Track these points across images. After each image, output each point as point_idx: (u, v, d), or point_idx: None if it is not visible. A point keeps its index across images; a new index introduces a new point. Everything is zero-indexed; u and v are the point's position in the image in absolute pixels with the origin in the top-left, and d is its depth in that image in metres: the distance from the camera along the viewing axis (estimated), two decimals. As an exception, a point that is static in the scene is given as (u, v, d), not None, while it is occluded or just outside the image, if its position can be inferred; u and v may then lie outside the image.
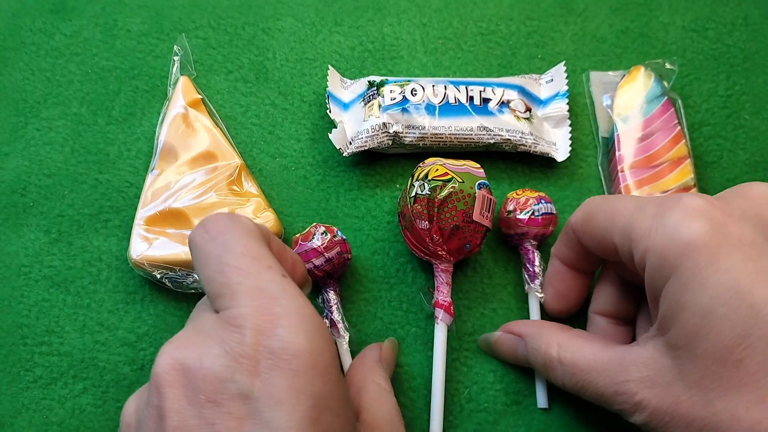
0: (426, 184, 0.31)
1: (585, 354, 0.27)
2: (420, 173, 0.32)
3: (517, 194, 0.34)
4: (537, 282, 0.33)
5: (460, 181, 0.31)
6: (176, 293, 0.35)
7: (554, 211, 0.34)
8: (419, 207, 0.31)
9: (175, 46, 0.41)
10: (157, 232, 0.35)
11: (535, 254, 0.34)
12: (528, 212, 0.33)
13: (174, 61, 0.40)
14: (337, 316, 0.32)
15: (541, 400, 0.32)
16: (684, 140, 0.37)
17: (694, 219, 0.22)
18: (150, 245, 0.34)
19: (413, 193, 0.31)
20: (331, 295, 0.33)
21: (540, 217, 0.33)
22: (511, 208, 0.34)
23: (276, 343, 0.20)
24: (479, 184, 0.32)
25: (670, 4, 0.43)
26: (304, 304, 0.22)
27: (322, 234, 0.32)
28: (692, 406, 0.22)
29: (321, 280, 0.33)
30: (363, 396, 0.28)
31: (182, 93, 0.39)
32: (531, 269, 0.34)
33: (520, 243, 0.34)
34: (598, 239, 0.27)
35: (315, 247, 0.32)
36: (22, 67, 0.41)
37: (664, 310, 0.23)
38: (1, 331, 0.35)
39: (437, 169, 0.32)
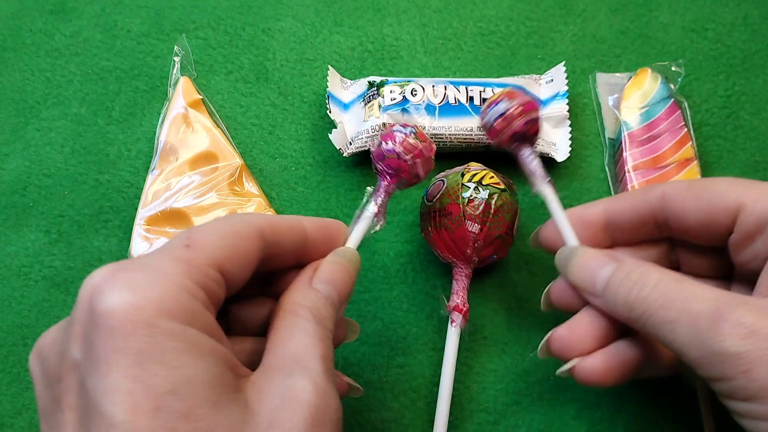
0: (482, 189, 0.31)
1: (691, 281, 0.23)
2: (472, 176, 0.32)
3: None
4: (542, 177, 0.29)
5: (510, 192, 0.32)
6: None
7: (509, 107, 0.29)
8: (473, 210, 0.31)
9: (175, 47, 0.41)
10: (157, 232, 0.35)
11: (524, 153, 0.30)
12: (485, 130, 0.30)
13: (174, 61, 0.40)
14: (382, 202, 0.29)
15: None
16: (690, 142, 0.37)
17: None
18: (151, 245, 0.34)
19: (467, 194, 0.31)
20: (384, 185, 0.29)
21: (492, 127, 0.29)
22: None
23: (100, 304, 0.18)
24: (517, 199, 0.33)
25: (670, 4, 0.43)
26: (159, 266, 0.19)
27: (410, 134, 0.29)
28: None
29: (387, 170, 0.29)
30: (270, 335, 0.23)
31: (183, 93, 0.39)
32: (529, 169, 0.29)
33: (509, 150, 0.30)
34: (711, 201, 0.25)
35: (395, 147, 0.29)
36: (22, 68, 0.41)
37: None
38: (1, 332, 0.35)
39: (491, 176, 0.32)
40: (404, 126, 0.29)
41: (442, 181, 0.33)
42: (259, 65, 0.41)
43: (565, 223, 0.28)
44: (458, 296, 0.32)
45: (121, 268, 0.19)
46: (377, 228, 0.28)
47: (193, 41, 0.42)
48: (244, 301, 0.26)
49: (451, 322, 0.32)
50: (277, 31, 0.42)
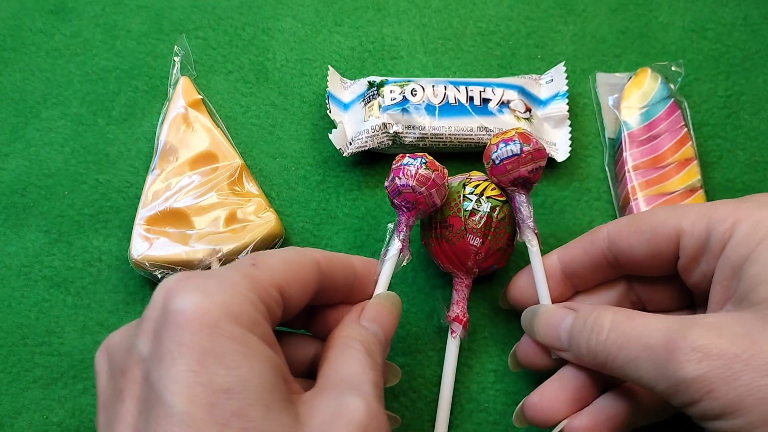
0: (484, 201, 0.31)
1: (643, 315, 0.24)
2: (474, 187, 0.31)
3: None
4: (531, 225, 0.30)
5: (510, 205, 0.31)
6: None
7: (522, 151, 0.29)
8: (475, 223, 0.30)
9: (175, 47, 0.41)
10: (157, 232, 0.35)
11: (520, 197, 0.30)
12: (488, 163, 0.30)
13: (174, 61, 0.40)
14: (405, 237, 0.30)
15: None
16: (690, 142, 0.37)
17: None
18: (151, 245, 0.34)
19: (469, 207, 0.30)
20: (404, 219, 0.30)
21: (501, 164, 0.29)
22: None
23: (172, 303, 0.20)
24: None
25: (670, 4, 0.43)
26: (228, 277, 0.21)
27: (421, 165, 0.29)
28: None
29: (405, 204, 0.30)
30: (321, 364, 0.24)
31: (183, 93, 0.39)
32: (520, 215, 0.30)
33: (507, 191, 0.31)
34: (652, 233, 0.26)
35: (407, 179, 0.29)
36: (22, 68, 0.41)
37: (752, 275, 0.22)
38: (2, 332, 0.35)
39: (493, 188, 0.31)
40: (413, 157, 0.29)
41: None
42: (259, 65, 0.41)
43: (541, 279, 0.29)
44: (458, 306, 0.32)
45: (193, 275, 0.21)
46: (404, 263, 0.30)
47: (193, 41, 0.42)
48: (291, 339, 0.27)
49: (451, 333, 0.32)
50: (277, 31, 0.42)
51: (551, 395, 0.27)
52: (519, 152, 0.29)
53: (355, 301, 0.28)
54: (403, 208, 0.30)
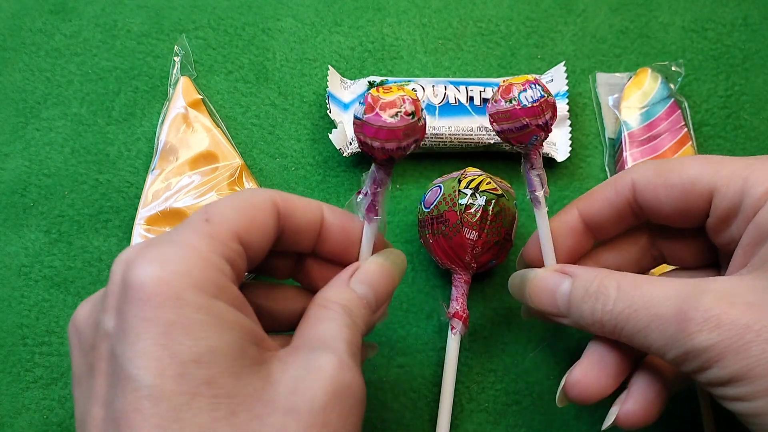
0: (479, 195, 0.31)
1: (651, 280, 0.23)
2: (469, 182, 0.31)
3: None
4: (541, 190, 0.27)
5: (507, 198, 0.32)
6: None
7: (549, 97, 0.25)
8: (470, 217, 0.30)
9: (175, 47, 0.41)
10: (157, 232, 0.35)
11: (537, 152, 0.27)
12: (510, 101, 0.25)
13: (174, 61, 0.40)
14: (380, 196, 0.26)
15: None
16: (690, 142, 0.37)
17: None
18: (150, 245, 0.34)
19: (464, 201, 0.31)
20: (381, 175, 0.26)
21: (534, 103, 0.25)
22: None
23: (132, 276, 0.19)
24: (515, 204, 0.33)
25: (670, 4, 0.43)
26: (184, 241, 0.20)
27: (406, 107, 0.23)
28: None
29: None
30: (305, 314, 0.23)
31: (183, 93, 0.39)
32: (534, 174, 0.27)
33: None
34: (683, 189, 0.25)
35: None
36: (22, 68, 0.41)
37: None
38: (2, 332, 0.35)
39: (488, 182, 0.31)
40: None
41: (439, 187, 0.33)
42: (259, 65, 0.41)
43: (548, 241, 0.27)
44: (458, 303, 0.32)
45: (150, 244, 0.20)
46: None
47: (193, 41, 0.42)
48: (278, 292, 0.26)
49: (451, 329, 0.32)
50: (277, 31, 0.42)
51: (592, 373, 0.26)
52: (544, 96, 0.25)
53: (333, 255, 0.26)
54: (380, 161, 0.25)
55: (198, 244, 0.20)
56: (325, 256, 0.26)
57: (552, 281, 0.26)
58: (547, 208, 0.27)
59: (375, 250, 0.26)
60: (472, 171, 0.33)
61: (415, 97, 0.23)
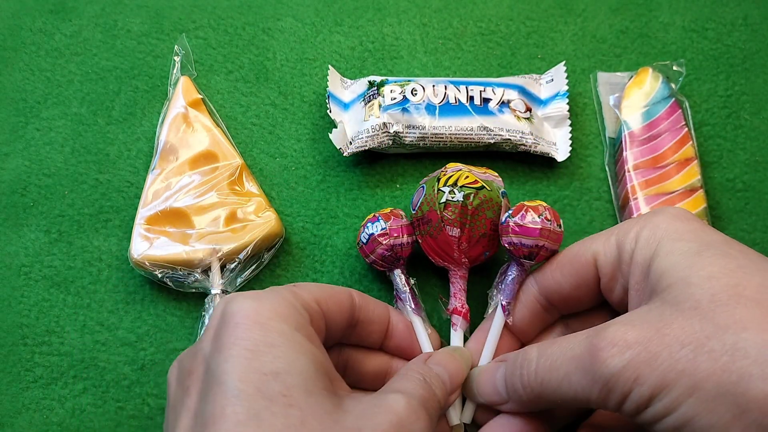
0: (457, 191, 0.31)
1: (564, 337, 0.26)
2: (447, 179, 0.31)
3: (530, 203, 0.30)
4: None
5: (489, 189, 0.31)
6: (176, 293, 0.35)
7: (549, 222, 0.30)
8: (450, 214, 0.30)
9: (175, 46, 0.41)
10: (158, 232, 0.35)
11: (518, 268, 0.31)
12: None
13: (174, 61, 0.40)
14: (408, 294, 0.32)
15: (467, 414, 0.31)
16: (691, 142, 0.37)
17: (667, 210, 0.27)
18: (151, 245, 0.34)
19: (443, 200, 0.31)
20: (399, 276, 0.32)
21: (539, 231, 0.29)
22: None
23: (230, 307, 0.23)
24: (502, 192, 0.32)
25: (670, 4, 0.43)
26: (275, 292, 0.25)
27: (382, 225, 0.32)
28: (690, 330, 0.21)
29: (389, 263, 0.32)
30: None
31: (183, 93, 0.39)
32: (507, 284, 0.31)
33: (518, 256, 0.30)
34: (573, 264, 0.28)
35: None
36: (23, 67, 0.41)
37: (654, 273, 0.24)
38: (2, 331, 0.35)
39: (466, 176, 0.31)
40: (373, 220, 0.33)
41: (422, 188, 0.32)
42: (260, 65, 0.41)
43: (493, 343, 0.30)
44: (456, 299, 0.32)
45: (250, 294, 0.24)
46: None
47: (193, 41, 0.42)
48: (364, 354, 0.31)
49: (453, 326, 0.32)
50: (278, 31, 0.42)
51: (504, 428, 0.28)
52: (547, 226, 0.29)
53: (399, 351, 0.31)
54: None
55: (286, 293, 0.25)
56: (392, 351, 0.31)
57: (491, 370, 0.29)
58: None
59: (433, 345, 0.31)
60: (452, 167, 0.32)
61: None
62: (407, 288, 0.32)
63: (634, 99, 0.38)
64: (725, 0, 0.43)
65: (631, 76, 0.39)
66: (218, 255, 0.34)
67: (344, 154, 0.37)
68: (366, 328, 0.29)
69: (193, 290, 0.34)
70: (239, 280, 0.35)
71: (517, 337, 0.31)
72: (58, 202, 0.38)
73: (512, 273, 0.31)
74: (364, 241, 0.32)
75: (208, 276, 0.34)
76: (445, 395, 0.26)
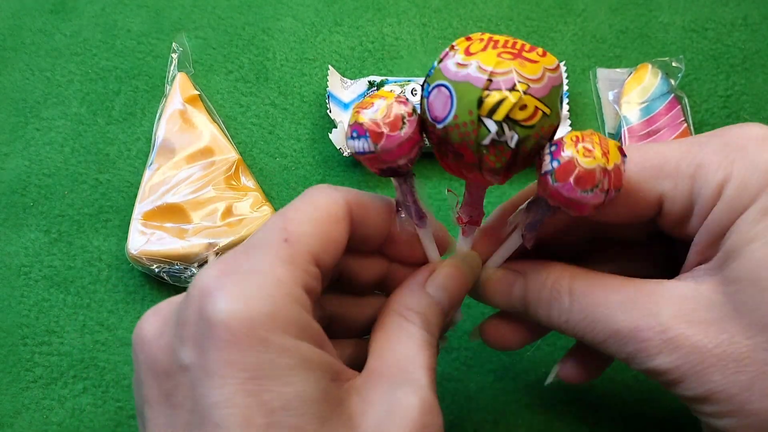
0: (508, 129, 0.20)
1: (604, 283, 0.22)
2: (496, 105, 0.20)
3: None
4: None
5: (551, 114, 0.20)
6: (175, 292, 0.35)
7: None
8: (493, 160, 0.21)
9: (173, 43, 0.41)
10: (155, 227, 0.35)
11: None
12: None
13: (172, 58, 0.40)
14: (417, 202, 0.24)
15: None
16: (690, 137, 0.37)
17: None
18: (148, 240, 0.34)
19: (486, 140, 0.20)
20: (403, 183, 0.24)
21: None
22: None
23: (213, 311, 0.18)
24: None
25: (670, 4, 0.43)
26: (268, 271, 0.19)
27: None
28: (753, 348, 0.19)
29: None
30: (376, 335, 0.23)
31: (179, 89, 0.39)
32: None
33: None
34: (629, 194, 0.22)
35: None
36: (22, 67, 0.41)
37: (731, 244, 0.20)
38: (1, 331, 0.35)
39: (524, 105, 0.20)
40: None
41: (450, 95, 0.21)
42: (259, 65, 0.41)
43: (506, 251, 0.26)
44: (473, 207, 0.25)
45: (229, 271, 0.19)
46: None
47: (192, 41, 0.42)
48: (349, 301, 0.25)
49: (463, 233, 0.25)
50: (277, 31, 0.42)
51: (510, 325, 0.26)
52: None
53: (402, 257, 0.25)
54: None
55: (281, 274, 0.19)
56: (392, 257, 0.25)
57: (506, 281, 0.25)
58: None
59: (440, 249, 0.25)
60: (500, 78, 0.20)
61: (610, 165, 0.20)
62: (410, 200, 0.24)
63: (634, 95, 0.38)
64: (725, 0, 0.43)
65: (631, 72, 0.39)
66: (215, 249, 0.34)
67: (344, 155, 0.37)
68: (362, 237, 0.23)
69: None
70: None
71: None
72: (58, 202, 0.38)
73: (543, 211, 0.23)
74: (350, 151, 0.23)
75: (206, 272, 0.34)
76: (441, 329, 0.24)
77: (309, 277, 0.20)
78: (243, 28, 0.42)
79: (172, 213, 0.35)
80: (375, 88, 0.38)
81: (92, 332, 0.35)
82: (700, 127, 0.39)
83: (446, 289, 0.24)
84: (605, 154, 0.20)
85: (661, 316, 0.20)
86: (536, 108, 0.20)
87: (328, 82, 0.39)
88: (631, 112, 0.38)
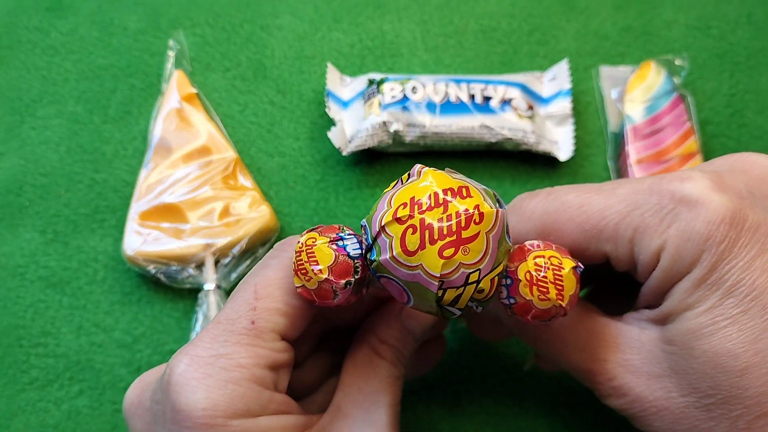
0: (473, 303, 0.20)
1: (562, 322, 0.23)
2: (450, 297, 0.19)
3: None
4: None
5: (500, 269, 0.20)
6: (172, 293, 0.35)
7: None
8: (463, 320, 0.24)
9: (170, 41, 0.40)
10: (151, 227, 0.34)
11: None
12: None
13: (169, 56, 0.40)
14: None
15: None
16: (694, 136, 0.37)
17: (709, 209, 0.20)
18: (144, 240, 0.34)
19: (454, 316, 0.20)
20: None
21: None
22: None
23: (179, 400, 0.20)
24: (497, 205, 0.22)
25: (673, 1, 0.42)
26: (230, 357, 0.21)
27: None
28: (686, 405, 0.20)
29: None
30: (346, 365, 0.24)
31: (177, 87, 0.38)
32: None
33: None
34: (575, 251, 0.22)
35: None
36: (18, 66, 0.41)
37: (667, 306, 0.21)
38: (-4, 333, 0.34)
39: (480, 288, 0.19)
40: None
41: (403, 289, 0.20)
42: (257, 62, 0.41)
43: None
44: None
45: (197, 362, 0.21)
46: None
47: (190, 38, 0.41)
48: (303, 364, 0.27)
49: None
50: (276, 28, 0.42)
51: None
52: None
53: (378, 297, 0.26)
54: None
55: (242, 360, 0.21)
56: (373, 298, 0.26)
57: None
58: None
59: None
60: (448, 266, 0.19)
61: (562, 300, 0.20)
62: (382, 286, 0.22)
63: (637, 93, 0.38)
64: (729, -3, 0.42)
65: (634, 70, 0.39)
66: (212, 250, 0.34)
67: (343, 153, 0.36)
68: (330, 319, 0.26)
69: (188, 285, 0.34)
70: (233, 275, 0.34)
71: None
72: (54, 201, 0.37)
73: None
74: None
75: (202, 271, 0.34)
76: (411, 356, 0.25)
77: (275, 354, 0.22)
78: (241, 25, 0.42)
79: (168, 213, 0.35)
80: (375, 85, 0.37)
81: (88, 334, 0.34)
82: (703, 126, 0.39)
83: (418, 318, 0.25)
84: (560, 292, 0.20)
85: (608, 364, 0.22)
86: (491, 280, 0.20)
87: (327, 80, 0.38)
88: (635, 110, 0.38)
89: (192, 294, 0.35)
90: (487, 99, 0.37)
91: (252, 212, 0.35)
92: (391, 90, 0.37)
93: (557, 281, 0.20)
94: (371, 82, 0.38)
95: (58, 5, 0.42)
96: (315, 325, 0.25)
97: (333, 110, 0.38)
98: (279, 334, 0.22)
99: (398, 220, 0.19)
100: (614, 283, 0.26)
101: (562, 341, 0.23)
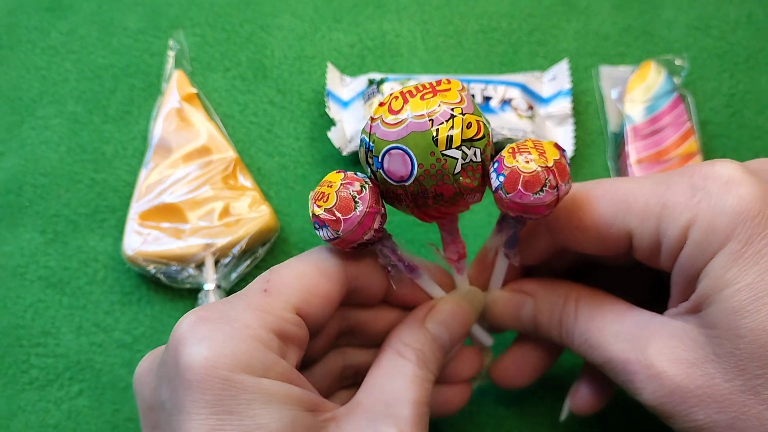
0: (468, 150, 0.21)
1: (604, 311, 0.23)
2: (448, 138, 0.21)
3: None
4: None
5: (484, 120, 0.22)
6: (172, 293, 0.35)
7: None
8: (470, 180, 0.22)
9: (170, 41, 0.40)
10: (151, 227, 0.34)
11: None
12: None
13: (169, 56, 0.40)
14: (401, 258, 0.25)
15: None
16: (694, 136, 0.37)
17: (741, 186, 0.20)
18: (144, 240, 0.34)
19: (457, 168, 0.21)
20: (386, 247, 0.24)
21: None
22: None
23: (182, 355, 0.20)
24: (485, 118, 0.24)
25: (674, 1, 0.42)
26: (237, 317, 0.21)
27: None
28: (731, 390, 0.20)
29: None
30: (370, 370, 0.23)
31: (177, 87, 0.38)
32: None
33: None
34: (600, 229, 0.23)
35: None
36: (18, 65, 0.41)
37: (704, 288, 0.20)
38: (-4, 333, 0.34)
39: (468, 124, 0.21)
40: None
41: (404, 151, 0.22)
42: (257, 62, 0.41)
43: (501, 273, 0.27)
44: (455, 244, 0.26)
45: (204, 319, 0.21)
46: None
47: (190, 38, 0.41)
48: (365, 310, 0.26)
49: (457, 270, 0.26)
50: (276, 28, 0.42)
51: (519, 362, 0.28)
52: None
53: (402, 304, 0.26)
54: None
55: (249, 320, 0.21)
56: (396, 304, 0.26)
57: (513, 304, 0.27)
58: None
59: (445, 287, 0.26)
60: (435, 110, 0.21)
61: (550, 164, 0.21)
62: (395, 259, 0.24)
63: (637, 93, 0.38)
64: (729, -3, 0.43)
65: (634, 70, 0.39)
66: (212, 250, 0.34)
67: (343, 153, 0.36)
68: (362, 293, 0.25)
69: (188, 285, 0.34)
70: (234, 275, 0.34)
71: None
72: (54, 201, 0.37)
73: (511, 226, 0.25)
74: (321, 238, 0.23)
75: (202, 271, 0.34)
76: (440, 365, 0.24)
77: (285, 323, 0.21)
78: (241, 25, 0.42)
79: (168, 213, 0.35)
80: (375, 85, 0.37)
81: (88, 334, 0.34)
82: (704, 127, 0.39)
83: (445, 324, 0.25)
84: (542, 154, 0.21)
85: (647, 351, 0.21)
86: (477, 121, 0.22)
87: (327, 80, 0.38)
88: (635, 110, 0.38)
89: (192, 294, 0.35)
90: (487, 99, 0.37)
91: (252, 212, 0.35)
92: (391, 90, 0.37)
93: (537, 147, 0.22)
94: (371, 82, 0.38)
95: (58, 5, 0.42)
96: (333, 320, 0.25)
97: (333, 110, 0.38)
98: (292, 306, 0.22)
99: (381, 104, 0.22)
100: (641, 299, 0.26)
101: (600, 331, 0.23)
